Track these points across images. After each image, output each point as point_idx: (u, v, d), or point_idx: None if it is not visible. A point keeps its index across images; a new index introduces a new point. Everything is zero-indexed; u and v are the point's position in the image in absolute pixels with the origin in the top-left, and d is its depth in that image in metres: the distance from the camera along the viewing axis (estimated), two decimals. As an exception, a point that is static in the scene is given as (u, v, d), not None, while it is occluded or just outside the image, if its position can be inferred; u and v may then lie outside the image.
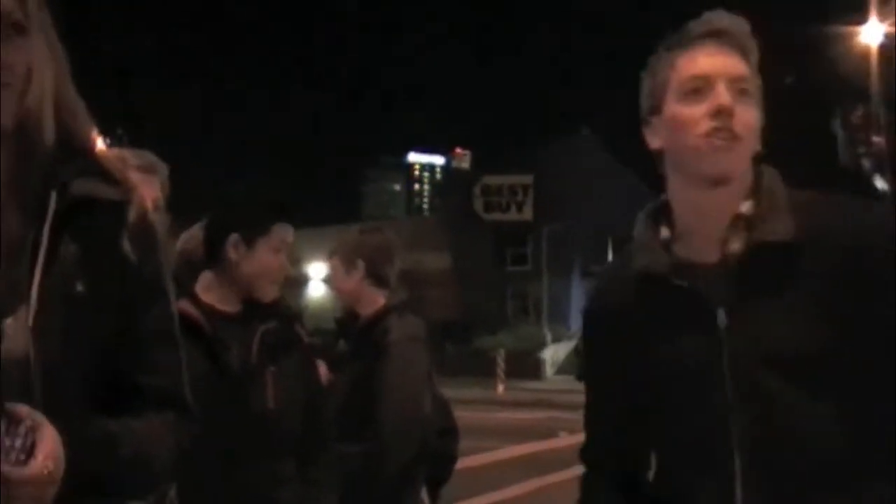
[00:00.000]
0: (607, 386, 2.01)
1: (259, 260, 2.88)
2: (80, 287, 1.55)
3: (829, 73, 21.44)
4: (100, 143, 2.77)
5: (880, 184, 16.78)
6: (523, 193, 46.07)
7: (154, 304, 1.65)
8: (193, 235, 3.28)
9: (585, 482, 2.07)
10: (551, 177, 43.07)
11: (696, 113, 1.79)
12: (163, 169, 2.87)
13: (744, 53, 1.84)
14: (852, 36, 21.09)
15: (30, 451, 1.38)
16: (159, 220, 2.51)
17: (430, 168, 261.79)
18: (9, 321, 1.49)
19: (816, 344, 1.71)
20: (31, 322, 1.49)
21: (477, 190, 46.92)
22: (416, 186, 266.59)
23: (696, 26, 1.85)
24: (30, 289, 1.50)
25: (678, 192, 1.88)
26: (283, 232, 2.92)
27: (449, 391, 4.34)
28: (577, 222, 41.45)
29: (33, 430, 1.38)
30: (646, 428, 1.92)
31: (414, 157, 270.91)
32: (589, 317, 2.04)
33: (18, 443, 1.37)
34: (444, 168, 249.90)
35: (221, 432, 2.64)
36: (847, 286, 1.72)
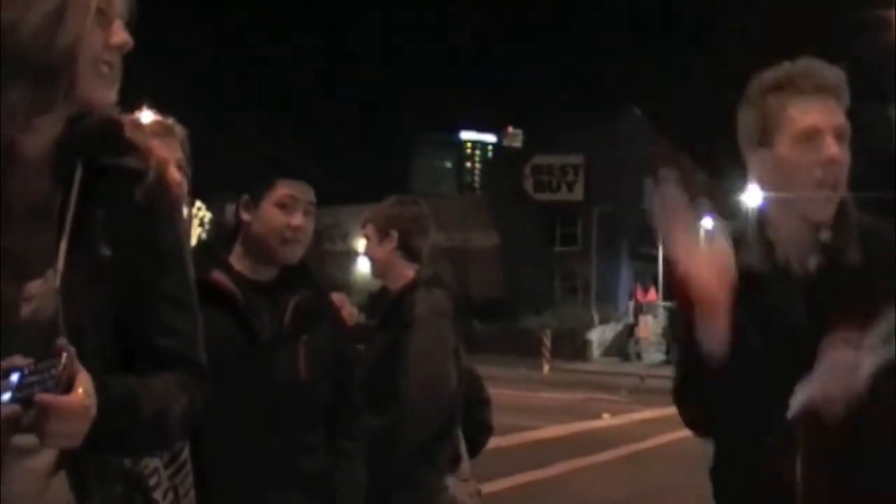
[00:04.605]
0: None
1: (265, 217, 2.82)
2: (104, 251, 1.60)
3: (885, 57, 21.05)
4: (145, 116, 2.81)
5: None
6: (574, 173, 45.89)
7: (172, 270, 1.70)
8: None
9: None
10: (603, 157, 42.84)
11: (807, 160, 2.12)
12: (180, 130, 2.87)
13: (842, 103, 2.17)
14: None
15: (65, 385, 1.40)
16: (184, 182, 2.56)
17: (482, 146, 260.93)
18: (38, 283, 1.54)
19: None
20: (58, 284, 1.54)
21: (527, 169, 46.81)
22: (468, 164, 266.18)
23: (804, 79, 2.15)
24: (57, 253, 1.55)
25: (776, 215, 2.22)
26: (290, 187, 2.83)
27: (494, 370, 4.34)
28: (627, 203, 41.23)
29: (70, 366, 1.41)
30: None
31: (466, 135, 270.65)
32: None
33: (54, 373, 1.39)
34: (496, 146, 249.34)
35: (252, 401, 2.67)
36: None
